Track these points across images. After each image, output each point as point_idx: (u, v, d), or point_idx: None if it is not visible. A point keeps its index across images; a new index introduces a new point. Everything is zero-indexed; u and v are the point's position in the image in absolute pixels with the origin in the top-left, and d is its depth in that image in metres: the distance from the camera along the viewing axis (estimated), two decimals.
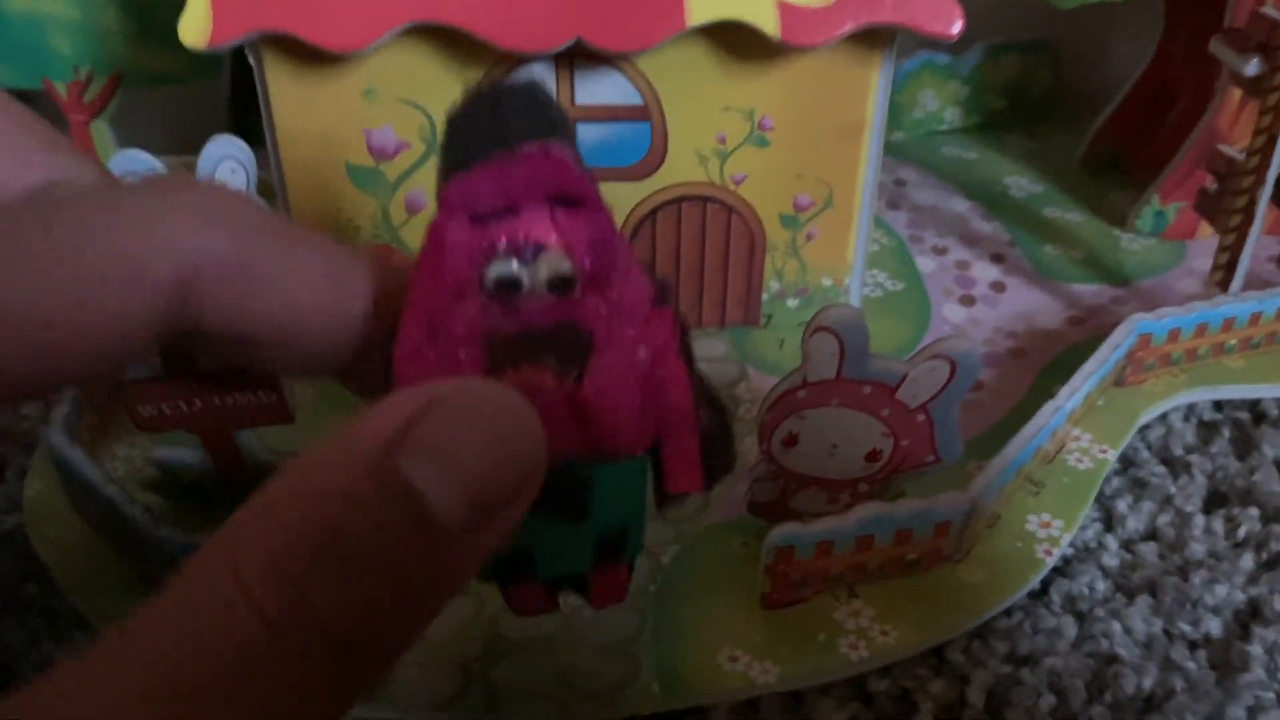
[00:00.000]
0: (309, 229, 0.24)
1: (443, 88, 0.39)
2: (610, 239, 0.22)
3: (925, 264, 0.50)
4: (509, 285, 0.21)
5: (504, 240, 0.22)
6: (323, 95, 0.39)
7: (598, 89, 0.40)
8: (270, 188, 0.42)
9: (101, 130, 0.52)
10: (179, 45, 0.50)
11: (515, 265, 0.22)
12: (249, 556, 0.17)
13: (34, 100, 0.53)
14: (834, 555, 0.33)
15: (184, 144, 0.58)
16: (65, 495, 0.38)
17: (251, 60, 0.38)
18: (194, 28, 0.36)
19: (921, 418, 0.34)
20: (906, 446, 0.35)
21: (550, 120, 0.22)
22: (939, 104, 0.59)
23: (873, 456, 0.35)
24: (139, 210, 0.21)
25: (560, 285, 0.22)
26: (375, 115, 0.40)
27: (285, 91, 0.39)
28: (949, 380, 0.33)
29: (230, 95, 0.58)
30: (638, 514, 0.24)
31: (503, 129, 0.21)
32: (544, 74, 0.39)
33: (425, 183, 0.41)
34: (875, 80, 0.40)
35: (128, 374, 0.34)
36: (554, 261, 0.22)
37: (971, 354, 0.33)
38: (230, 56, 0.54)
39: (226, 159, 0.42)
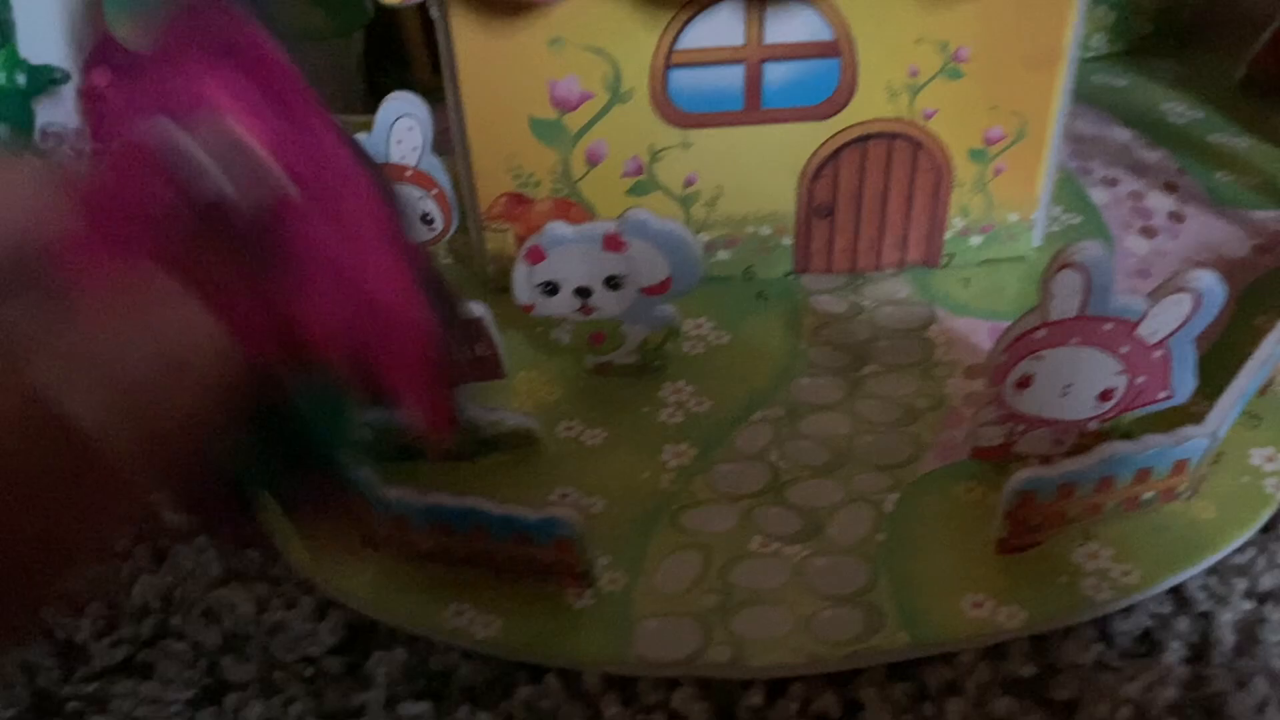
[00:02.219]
0: None
1: (631, 33, 0.38)
2: (312, 116, 0.20)
3: (1099, 195, 0.48)
4: (195, 174, 0.19)
5: (182, 114, 0.19)
6: (508, 47, 0.38)
7: (788, 26, 0.39)
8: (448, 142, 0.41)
9: None
10: (323, 5, 0.49)
11: (192, 146, 0.19)
12: None
13: None
14: (1074, 497, 0.33)
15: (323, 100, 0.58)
16: None
17: (435, 14, 0.37)
18: None
19: (1159, 353, 0.33)
20: (1141, 384, 0.34)
21: None
22: (1085, 29, 0.57)
23: (1106, 395, 0.34)
24: None
25: (254, 175, 0.19)
26: (560, 65, 0.39)
27: (470, 45, 0.38)
28: (1192, 313, 0.32)
29: (363, 54, 0.58)
30: (342, 434, 0.23)
31: None
32: (733, 14, 0.38)
33: (607, 133, 0.40)
34: (1074, 8, 0.38)
35: None
36: (236, 138, 0.19)
37: (1216, 287, 0.32)
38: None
39: (404, 115, 0.41)
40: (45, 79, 0.59)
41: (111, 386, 0.18)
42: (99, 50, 0.59)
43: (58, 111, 0.61)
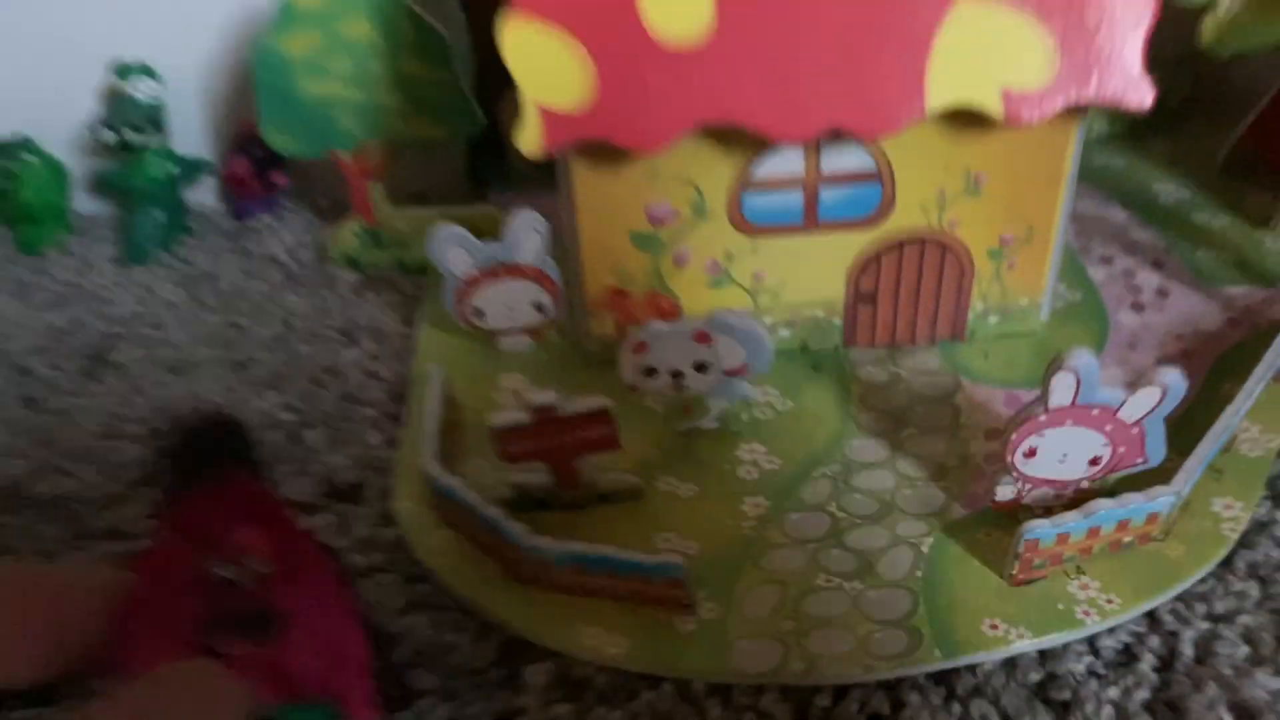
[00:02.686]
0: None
1: (712, 166, 0.48)
2: (298, 543, 0.31)
3: (1096, 273, 0.57)
4: (224, 582, 0.30)
5: (221, 551, 0.30)
6: (615, 179, 0.48)
7: (840, 159, 0.48)
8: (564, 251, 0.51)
9: (377, 189, 0.61)
10: (443, 115, 0.59)
11: (231, 568, 0.30)
12: None
13: (319, 166, 0.63)
14: (1069, 542, 0.42)
15: (431, 188, 0.67)
16: (433, 512, 0.47)
17: (559, 159, 0.47)
18: (529, 140, 0.44)
19: (1136, 430, 0.42)
20: (1122, 452, 0.43)
21: (246, 452, 0.32)
22: (1087, 114, 0.66)
23: (1094, 461, 0.43)
24: None
25: (260, 579, 0.31)
26: (656, 192, 0.48)
27: (585, 178, 0.48)
28: (1160, 401, 0.41)
29: (466, 149, 0.67)
30: None
31: (213, 452, 0.31)
32: (796, 151, 0.47)
33: (691, 242, 0.50)
34: (1073, 138, 0.48)
35: (494, 422, 0.44)
36: (256, 563, 0.31)
37: (1179, 381, 0.41)
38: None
39: (529, 226, 0.51)
40: (194, 170, 0.68)
41: None
42: (241, 141, 0.68)
43: (203, 193, 0.70)
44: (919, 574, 0.44)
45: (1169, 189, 0.63)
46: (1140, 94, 0.44)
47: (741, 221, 0.49)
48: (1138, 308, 0.55)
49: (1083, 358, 0.40)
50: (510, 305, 0.53)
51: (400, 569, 0.47)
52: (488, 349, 0.55)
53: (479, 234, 0.51)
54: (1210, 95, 0.68)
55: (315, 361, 0.57)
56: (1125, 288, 0.56)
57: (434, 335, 0.57)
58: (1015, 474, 0.44)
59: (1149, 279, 0.57)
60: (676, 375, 0.47)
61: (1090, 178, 0.64)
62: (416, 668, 0.43)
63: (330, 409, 0.54)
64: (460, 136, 0.60)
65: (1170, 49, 0.65)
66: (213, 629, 0.29)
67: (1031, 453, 0.43)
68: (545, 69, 0.43)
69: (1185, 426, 0.46)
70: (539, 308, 0.53)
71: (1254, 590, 0.43)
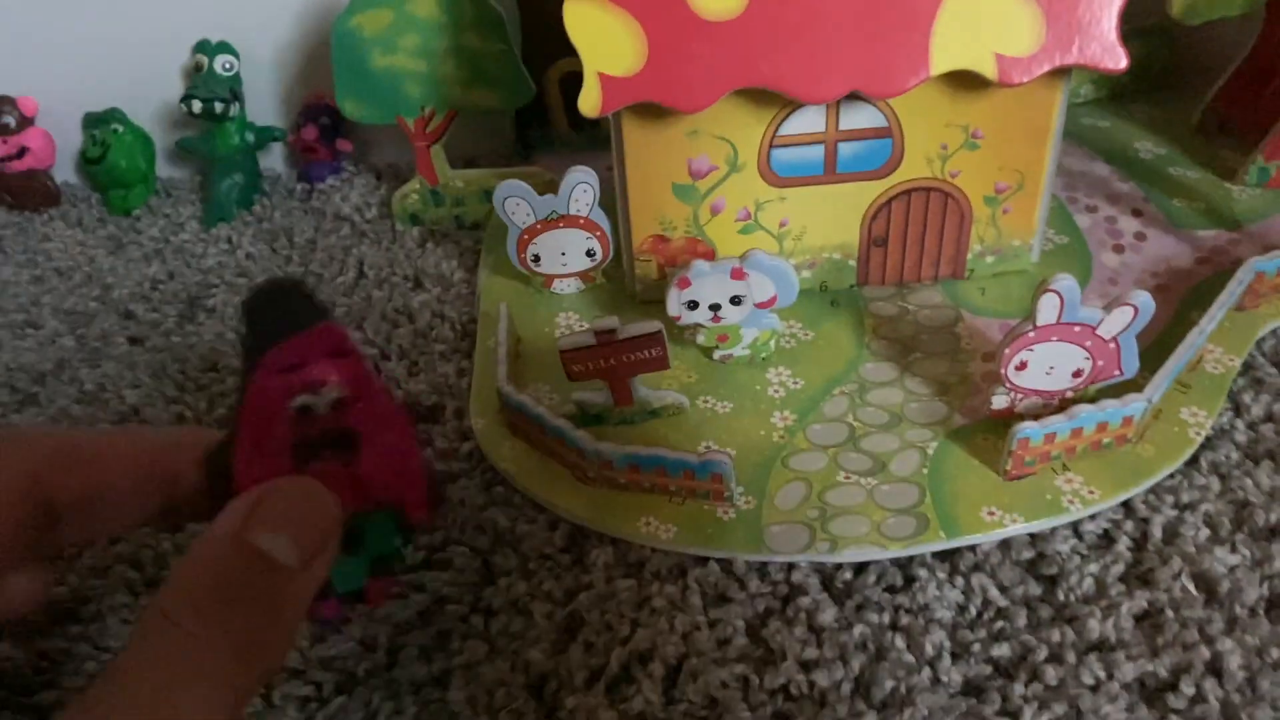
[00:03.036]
0: (143, 432, 0.37)
1: (746, 124, 0.55)
2: (365, 373, 0.36)
3: (1082, 220, 0.64)
4: (306, 409, 0.35)
5: (304, 383, 0.36)
6: (660, 136, 0.55)
7: (856, 117, 0.55)
8: (612, 201, 0.58)
9: (438, 152, 0.68)
10: (498, 85, 0.66)
11: (310, 397, 0.35)
12: (169, 600, 0.29)
13: (377, 133, 0.70)
14: (1055, 441, 0.49)
15: (482, 153, 0.74)
16: (505, 426, 0.54)
17: (611, 118, 0.54)
18: (590, 102, 0.51)
19: (1113, 345, 0.49)
20: (1101, 365, 0.50)
21: (318, 310, 0.37)
22: (1076, 80, 0.73)
23: (1077, 374, 0.50)
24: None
25: (337, 405, 0.35)
26: (695, 147, 0.55)
27: (634, 136, 0.55)
28: (1133, 319, 0.48)
29: (516, 121, 0.74)
30: (394, 546, 0.37)
31: (289, 310, 0.36)
32: (817, 111, 0.54)
33: (725, 192, 0.57)
34: (1059, 97, 0.55)
35: (561, 344, 0.51)
36: (332, 391, 0.35)
37: (1149, 301, 0.48)
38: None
39: (581, 182, 0.58)
40: (267, 137, 0.75)
41: (299, 540, 0.31)
42: (309, 110, 0.75)
43: (274, 159, 0.77)
44: (925, 470, 0.51)
45: (1148, 146, 0.70)
46: (1115, 58, 0.51)
47: (770, 174, 0.56)
48: (1118, 249, 0.62)
49: (1066, 280, 0.47)
50: (564, 251, 0.60)
51: (478, 475, 0.54)
52: (543, 292, 0.62)
53: None
54: (1187, 62, 0.75)
55: (389, 304, 0.64)
56: (1107, 232, 0.63)
57: (495, 280, 0.64)
58: (1008, 385, 0.51)
59: (1129, 224, 0.64)
60: (715, 307, 0.55)
61: (1077, 136, 0.71)
62: (496, 552, 0.50)
63: (406, 344, 0.61)
64: (514, 105, 0.67)
65: (1150, 20, 0.72)
66: (302, 451, 0.35)
67: (1022, 366, 0.50)
68: (603, 41, 0.50)
69: (1158, 349, 0.53)
70: (590, 254, 0.61)
71: (1215, 484, 0.51)
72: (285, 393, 0.35)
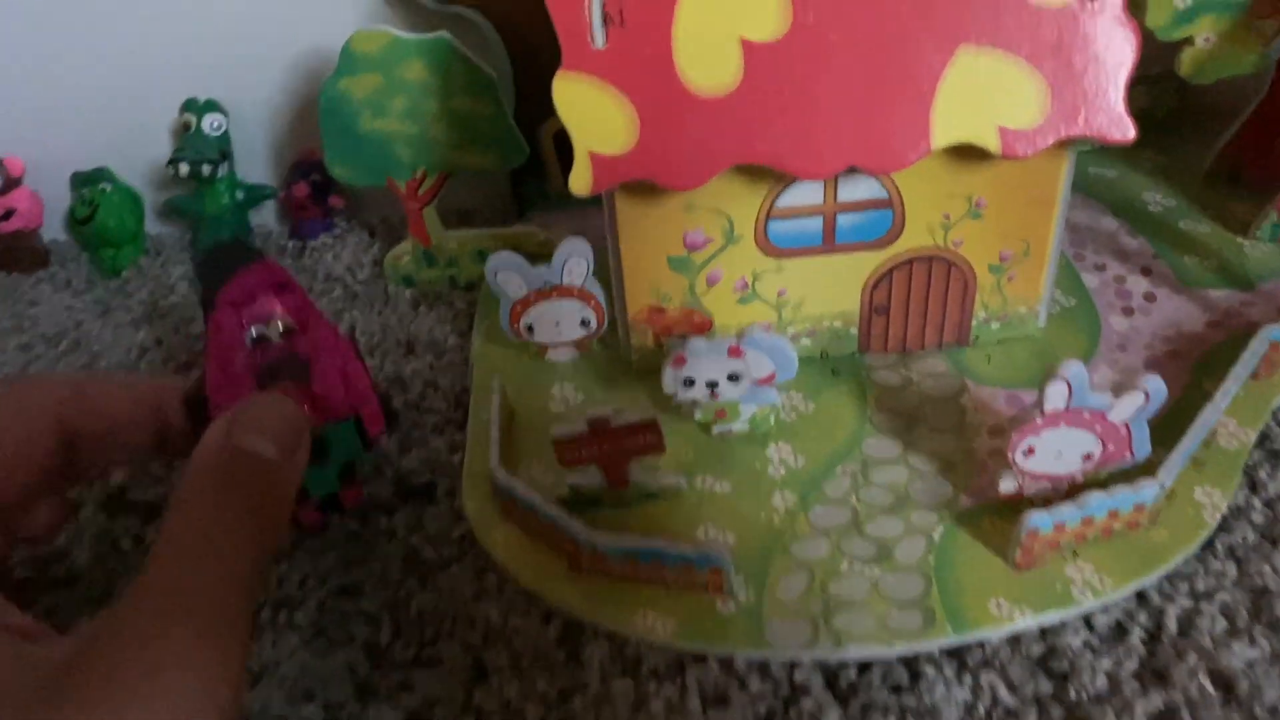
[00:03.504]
0: (132, 375, 0.45)
1: (743, 198, 0.53)
2: (307, 304, 0.44)
3: (1090, 280, 0.63)
4: (261, 338, 0.43)
5: (255, 315, 0.44)
6: (654, 212, 0.53)
7: (855, 190, 0.53)
8: (607, 269, 0.56)
9: (431, 214, 0.67)
10: (491, 147, 0.64)
11: (263, 327, 0.43)
12: (181, 500, 0.35)
13: (370, 190, 0.68)
14: (1065, 530, 0.48)
15: (477, 207, 0.73)
16: (497, 509, 0.53)
17: (604, 193, 0.52)
18: (580, 181, 0.50)
19: (1123, 430, 0.48)
20: (1112, 449, 0.48)
21: (256, 253, 0.44)
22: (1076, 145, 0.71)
23: (1087, 458, 0.49)
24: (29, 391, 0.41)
25: (288, 332, 0.44)
26: (690, 221, 0.54)
27: (627, 212, 0.53)
28: (1144, 405, 0.47)
29: (511, 177, 0.72)
30: (358, 451, 0.46)
31: (234, 258, 0.44)
32: (815, 184, 0.53)
33: (722, 263, 0.55)
34: (1065, 166, 0.53)
35: (555, 434, 0.49)
36: (281, 320, 0.44)
37: (1160, 388, 0.46)
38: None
39: (574, 255, 0.56)
40: (258, 196, 0.74)
41: (276, 439, 0.37)
42: (300, 167, 0.74)
43: (266, 215, 0.76)
44: (931, 559, 0.49)
45: (1156, 198, 0.68)
46: (1123, 129, 0.50)
47: (767, 245, 0.55)
48: (1127, 312, 0.61)
49: (1073, 367, 0.46)
50: (558, 321, 0.59)
51: (470, 562, 0.53)
52: (537, 360, 0.61)
53: (522, 249, 0.57)
54: (1196, 108, 0.73)
55: (382, 373, 0.63)
56: (1116, 293, 0.62)
57: (488, 348, 0.62)
58: (1016, 470, 0.49)
59: (1138, 284, 0.62)
60: (712, 385, 0.53)
61: (1084, 188, 0.69)
62: (487, 648, 0.49)
63: (399, 407, 0.60)
64: (507, 166, 0.66)
65: (1156, 66, 0.70)
66: (264, 375, 0.42)
67: (1030, 451, 0.48)
68: (594, 119, 0.49)
69: (1171, 421, 0.52)
70: (584, 323, 0.59)
71: (1231, 570, 0.49)
72: (240, 325, 0.43)
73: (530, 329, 0.59)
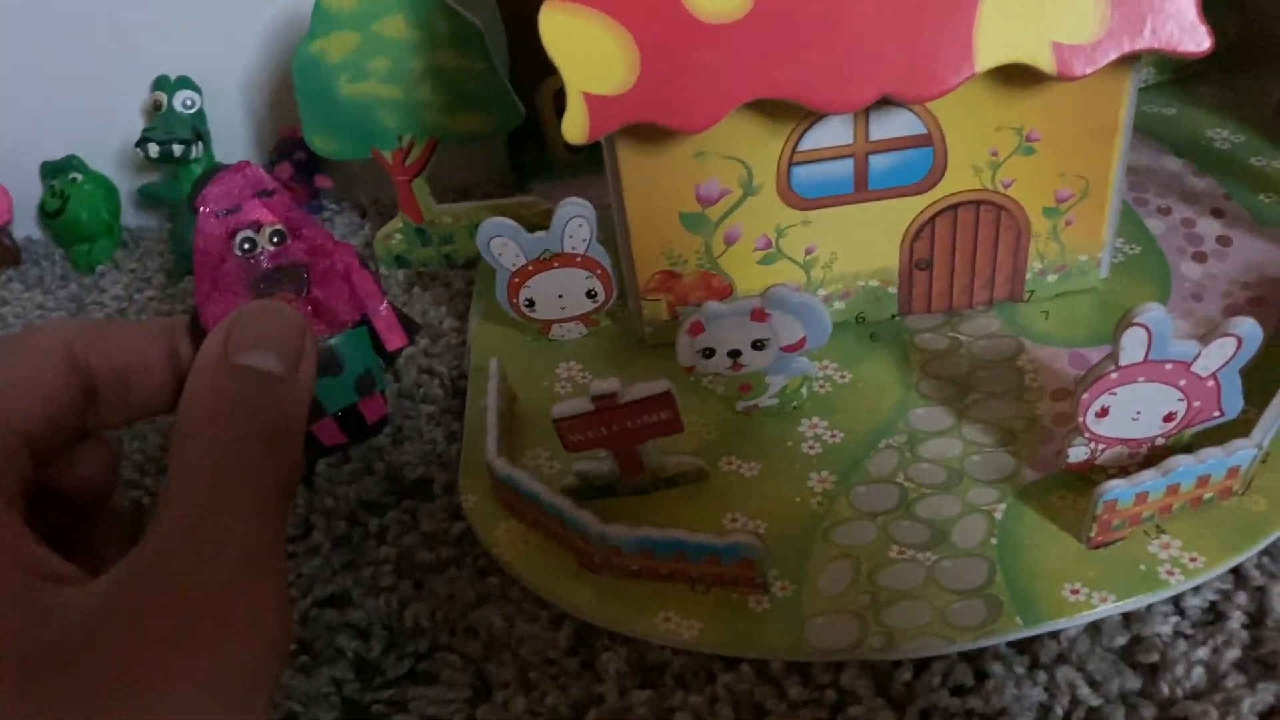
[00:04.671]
0: (147, 322, 0.39)
1: (761, 141, 0.47)
2: (296, 209, 0.41)
3: (1154, 225, 0.56)
4: (251, 247, 0.39)
5: (241, 222, 0.40)
6: (662, 161, 0.47)
7: (889, 125, 0.47)
8: (612, 235, 0.51)
9: (421, 186, 0.61)
10: (483, 108, 0.59)
11: (252, 235, 0.40)
12: (184, 426, 0.32)
13: (360, 167, 0.63)
14: (1148, 501, 0.41)
15: (473, 182, 0.67)
16: (499, 503, 0.47)
17: (604, 142, 0.46)
18: (575, 128, 0.44)
19: (1211, 383, 0.41)
20: (1197, 407, 0.42)
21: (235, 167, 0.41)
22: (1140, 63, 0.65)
23: (1169, 418, 0.42)
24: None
25: (278, 239, 0.40)
26: (703, 171, 0.48)
27: (632, 162, 0.47)
28: (1235, 352, 0.40)
29: (506, 141, 0.67)
30: (373, 360, 0.41)
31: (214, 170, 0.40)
32: (843, 121, 0.47)
33: (741, 219, 0.49)
34: (1127, 89, 0.46)
35: (555, 413, 0.43)
36: (271, 228, 0.40)
37: (1255, 330, 0.40)
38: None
39: (575, 216, 0.50)
40: None
41: (279, 351, 0.33)
42: (283, 146, 0.68)
43: None
44: (994, 541, 0.43)
45: (1223, 134, 0.62)
46: (1197, 39, 0.43)
47: (791, 195, 0.49)
48: (1200, 258, 0.54)
49: (1153, 311, 0.39)
50: (562, 294, 0.53)
51: (470, 564, 0.47)
52: (541, 339, 0.55)
53: (524, 223, 0.51)
54: (1260, 36, 0.66)
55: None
56: (1185, 238, 0.55)
57: (486, 328, 0.57)
58: (1088, 434, 0.43)
59: (1209, 227, 0.56)
60: (734, 354, 0.47)
61: (1141, 127, 0.63)
62: (489, 661, 0.43)
63: (390, 407, 0.54)
64: (502, 129, 0.60)
65: None
66: (259, 287, 0.39)
67: (1104, 412, 0.42)
68: (587, 55, 0.43)
69: (1261, 376, 0.45)
70: (591, 295, 0.53)
71: None
72: (227, 233, 0.39)
73: (531, 304, 0.53)
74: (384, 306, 0.42)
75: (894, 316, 0.53)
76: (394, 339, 0.42)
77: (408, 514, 0.49)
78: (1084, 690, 0.39)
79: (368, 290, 0.41)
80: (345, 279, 0.41)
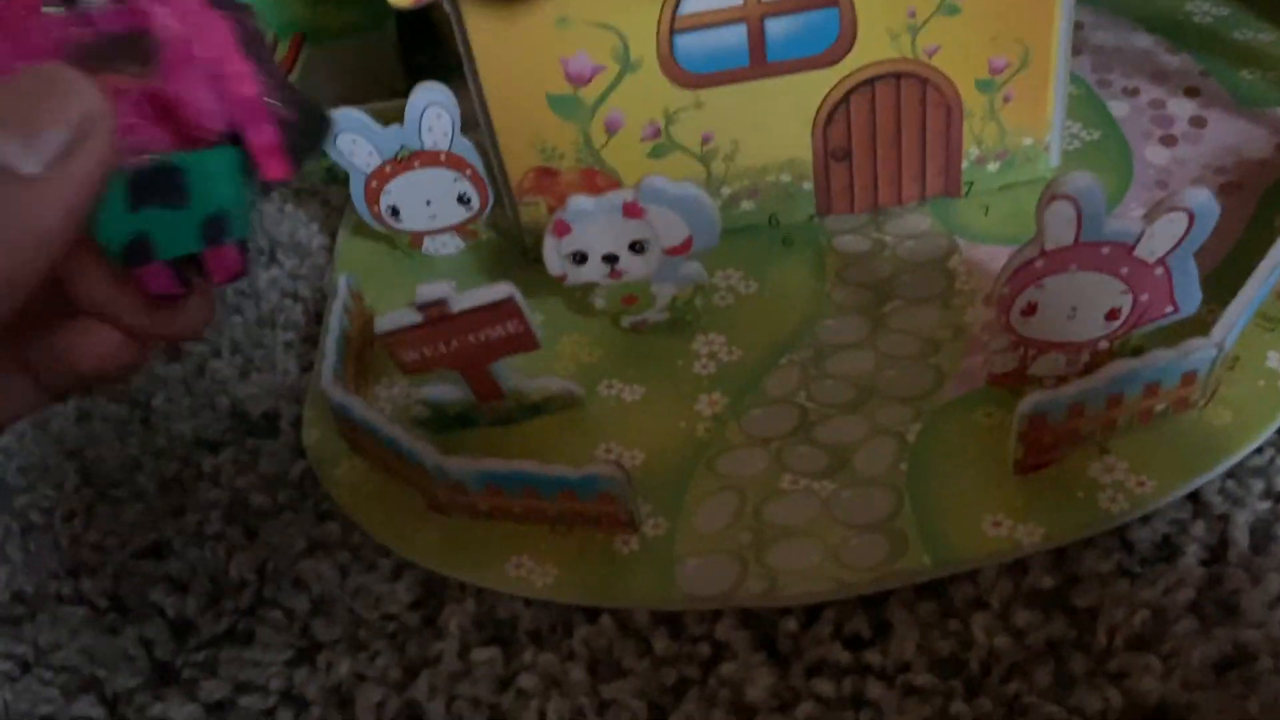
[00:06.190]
0: None
1: (634, 5, 0.40)
2: None
3: (1118, 108, 0.49)
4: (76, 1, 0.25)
5: None
6: (518, 30, 0.40)
7: None
8: (474, 123, 0.44)
9: None
10: (353, 2, 0.52)
11: None
12: None
13: None
14: (1085, 415, 0.34)
15: (361, 92, 0.61)
16: (343, 439, 0.41)
17: (448, 6, 0.40)
18: None
19: (1160, 271, 0.34)
20: (1145, 301, 0.35)
21: None
22: None
23: (1112, 315, 0.35)
24: None
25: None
26: (569, 42, 0.41)
27: (483, 32, 0.40)
28: (1187, 231, 0.33)
29: (397, 42, 0.60)
30: (235, 199, 0.27)
31: None
32: None
33: (621, 102, 0.42)
34: None
35: (378, 328, 0.37)
36: None
37: (1209, 202, 0.33)
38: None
39: (432, 104, 0.44)
40: None
41: (35, 138, 0.23)
42: None
43: None
44: (903, 467, 0.36)
45: (1204, 7, 0.54)
46: None
47: (676, 70, 0.42)
48: (1168, 141, 0.46)
49: (1081, 180, 0.32)
50: (430, 199, 0.46)
51: (309, 507, 0.41)
52: (412, 254, 0.48)
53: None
54: None
55: (232, 288, 0.51)
56: (1153, 120, 0.48)
57: (354, 243, 0.50)
58: (1014, 338, 0.36)
59: (1181, 108, 0.48)
60: (610, 259, 0.40)
61: (1111, 3, 0.55)
62: (317, 616, 0.37)
63: (240, 336, 0.48)
64: (376, 27, 0.53)
65: None
66: (80, 59, 0.25)
67: (1030, 309, 0.35)
68: None
69: (1231, 270, 0.38)
70: (464, 200, 0.46)
71: None
72: None
73: (395, 212, 0.47)
74: (265, 121, 0.28)
75: (812, 218, 0.46)
76: (274, 167, 0.28)
77: (248, 453, 0.43)
78: (1004, 642, 0.32)
79: (246, 92, 0.27)
80: (215, 71, 0.27)
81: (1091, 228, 0.33)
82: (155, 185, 0.25)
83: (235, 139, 0.26)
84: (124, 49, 0.26)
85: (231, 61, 0.27)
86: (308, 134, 0.28)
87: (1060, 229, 0.33)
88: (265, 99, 0.26)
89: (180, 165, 0.26)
